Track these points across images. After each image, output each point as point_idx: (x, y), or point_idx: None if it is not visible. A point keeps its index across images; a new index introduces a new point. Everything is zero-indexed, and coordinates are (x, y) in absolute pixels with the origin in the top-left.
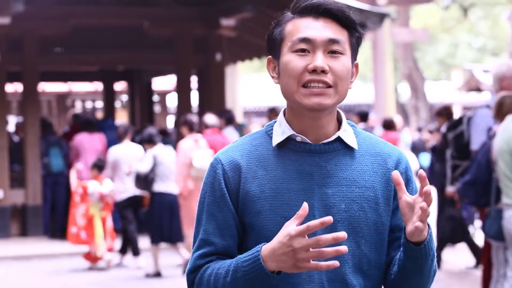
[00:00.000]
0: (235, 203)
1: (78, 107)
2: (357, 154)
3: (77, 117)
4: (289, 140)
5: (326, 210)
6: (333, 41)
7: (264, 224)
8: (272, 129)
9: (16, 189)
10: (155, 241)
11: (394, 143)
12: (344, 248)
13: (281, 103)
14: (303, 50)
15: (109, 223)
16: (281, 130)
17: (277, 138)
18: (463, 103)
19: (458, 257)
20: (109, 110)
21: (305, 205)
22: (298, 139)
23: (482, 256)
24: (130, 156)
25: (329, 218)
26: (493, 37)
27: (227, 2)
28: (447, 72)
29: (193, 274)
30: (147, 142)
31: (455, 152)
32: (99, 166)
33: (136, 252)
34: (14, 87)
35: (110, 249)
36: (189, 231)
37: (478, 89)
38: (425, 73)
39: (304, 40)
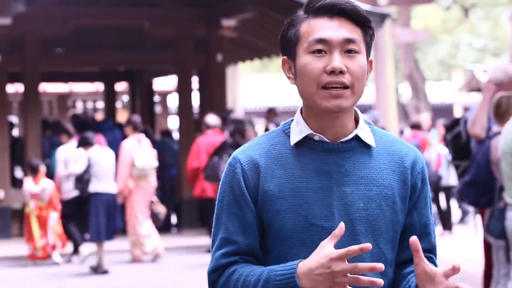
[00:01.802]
0: (255, 202)
1: (79, 108)
2: (374, 152)
3: (76, 118)
4: (307, 139)
5: (345, 208)
6: (349, 41)
7: (283, 223)
8: (290, 128)
9: (16, 189)
10: (95, 239)
11: (423, 143)
12: (379, 281)
13: (282, 103)
14: (319, 51)
15: (53, 221)
16: (299, 129)
17: (295, 137)
18: (464, 103)
19: (458, 257)
20: (110, 110)
21: (341, 225)
22: (316, 138)
23: (484, 256)
24: (78, 155)
25: (368, 245)
26: (494, 37)
27: (228, 3)
28: (448, 72)
29: (216, 273)
30: (83, 144)
31: (454, 152)
32: (31, 167)
33: (75, 249)
34: (15, 88)
35: (53, 247)
36: (132, 229)
37: (479, 90)
38: (426, 73)
39: (321, 41)
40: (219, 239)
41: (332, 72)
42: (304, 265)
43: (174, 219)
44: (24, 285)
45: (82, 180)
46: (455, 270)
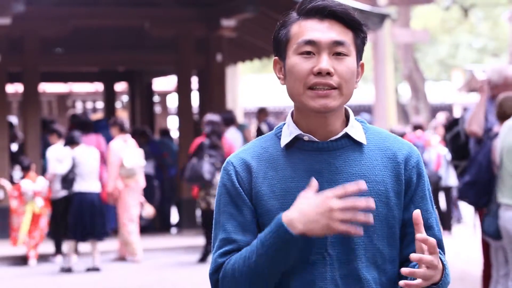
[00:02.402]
0: (250, 201)
1: (78, 108)
2: (366, 149)
3: (75, 117)
4: (297, 140)
5: None
6: (337, 43)
7: None
8: (281, 131)
9: None
10: (71, 238)
11: (427, 144)
12: (371, 219)
13: (281, 103)
14: (308, 53)
15: (43, 221)
16: (289, 131)
17: (285, 139)
18: (464, 103)
19: (458, 257)
20: (110, 110)
21: (314, 181)
22: (306, 138)
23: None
24: (65, 155)
25: (362, 183)
26: (494, 37)
27: (228, 3)
28: (448, 72)
29: (216, 274)
30: (69, 143)
31: (453, 152)
32: (23, 166)
33: (58, 251)
34: (14, 88)
35: (35, 246)
36: (123, 228)
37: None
38: (426, 73)
39: (309, 42)
40: (219, 240)
41: (319, 73)
42: (291, 213)
43: (173, 219)
44: (24, 284)
45: (67, 180)
46: (423, 240)
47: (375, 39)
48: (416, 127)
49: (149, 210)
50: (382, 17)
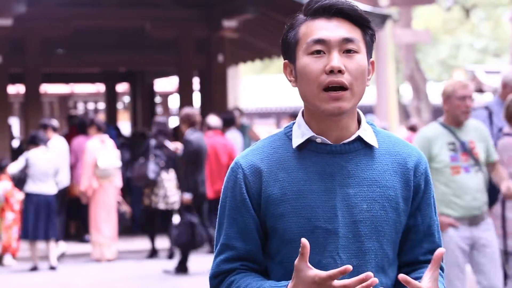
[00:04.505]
0: (257, 207)
1: (80, 109)
2: (377, 153)
3: (72, 118)
4: (309, 141)
5: (348, 210)
6: (347, 40)
7: (287, 227)
8: (291, 131)
9: None
10: (24, 237)
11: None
12: None
13: (282, 104)
14: (318, 52)
15: (7, 221)
16: (301, 132)
17: (297, 140)
18: None
19: None
20: (111, 111)
21: (304, 241)
22: (318, 140)
23: None
24: (23, 156)
25: (349, 267)
26: (495, 38)
27: (229, 4)
28: (449, 73)
29: (216, 279)
30: (30, 143)
31: None
32: (0, 167)
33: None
34: (16, 89)
35: (5, 248)
36: (95, 229)
37: (480, 90)
38: (427, 74)
39: (319, 41)
40: (220, 244)
41: (331, 72)
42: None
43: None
44: (24, 283)
45: (19, 180)
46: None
47: (377, 40)
48: (411, 128)
49: (127, 210)
50: (384, 18)
